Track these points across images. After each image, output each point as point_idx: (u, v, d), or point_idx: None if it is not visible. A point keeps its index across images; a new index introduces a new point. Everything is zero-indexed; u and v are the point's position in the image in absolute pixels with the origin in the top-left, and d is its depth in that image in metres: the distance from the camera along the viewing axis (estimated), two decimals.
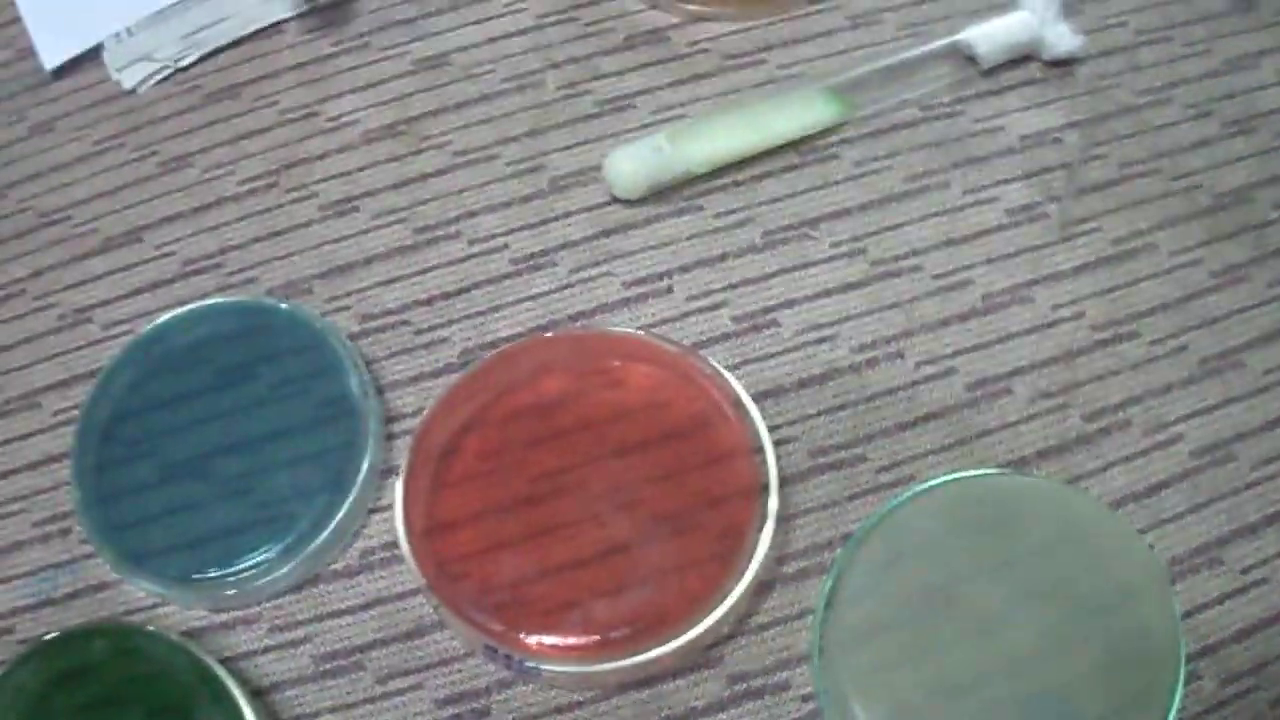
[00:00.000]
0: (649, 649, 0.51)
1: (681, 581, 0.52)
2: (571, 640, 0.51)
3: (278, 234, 0.64)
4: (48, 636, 0.55)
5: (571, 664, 0.51)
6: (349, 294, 0.62)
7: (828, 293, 0.59)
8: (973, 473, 0.54)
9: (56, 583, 0.58)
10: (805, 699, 0.52)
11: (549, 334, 0.58)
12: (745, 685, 0.52)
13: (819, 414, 0.57)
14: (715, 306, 0.59)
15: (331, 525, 0.55)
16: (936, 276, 0.59)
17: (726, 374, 0.55)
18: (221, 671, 0.52)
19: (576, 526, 0.53)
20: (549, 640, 0.51)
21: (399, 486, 0.54)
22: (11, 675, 0.54)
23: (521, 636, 0.52)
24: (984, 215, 0.61)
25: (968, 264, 0.60)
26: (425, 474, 0.55)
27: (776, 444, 0.55)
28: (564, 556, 0.53)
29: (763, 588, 0.53)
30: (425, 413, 0.56)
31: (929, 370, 0.57)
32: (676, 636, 0.51)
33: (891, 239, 0.61)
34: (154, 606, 0.57)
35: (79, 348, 0.63)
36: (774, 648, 0.53)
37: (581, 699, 0.53)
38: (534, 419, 0.55)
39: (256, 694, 0.54)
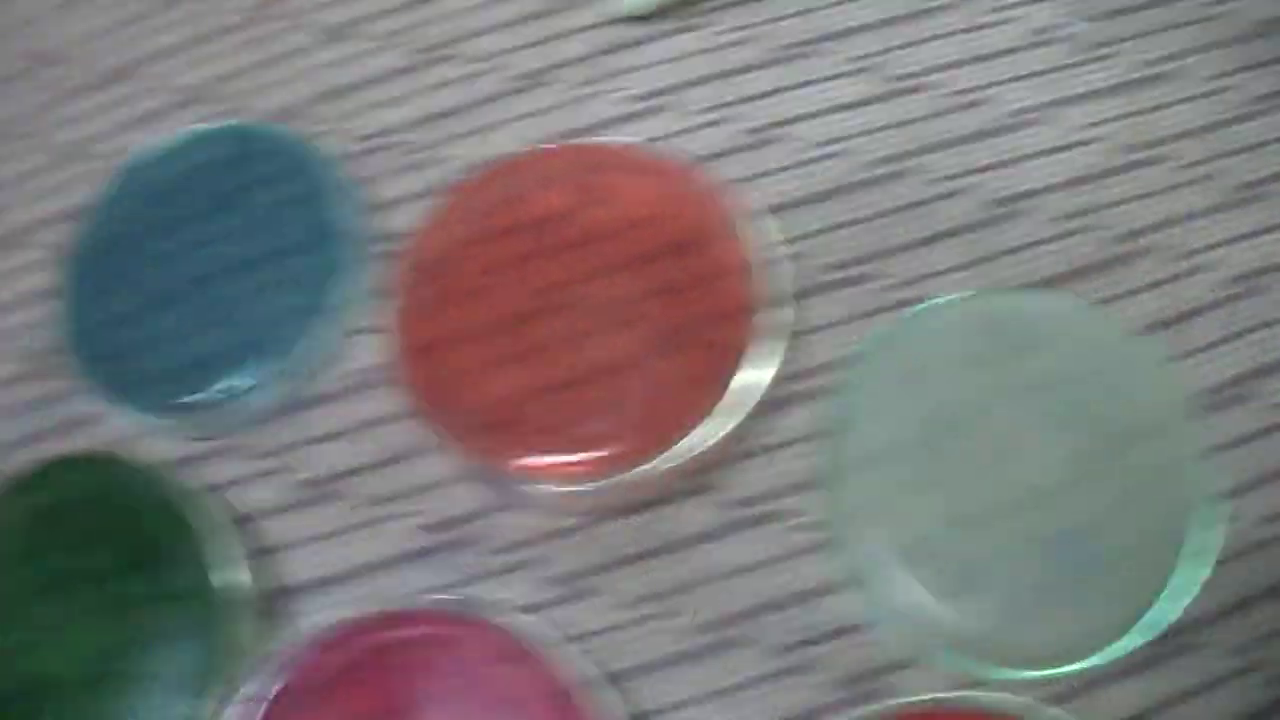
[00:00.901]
0: (646, 468, 0.46)
1: (681, 399, 0.47)
2: (565, 459, 0.47)
3: (272, 60, 0.59)
4: (20, 470, 0.51)
5: (565, 484, 0.47)
6: (342, 116, 0.57)
7: (842, 107, 0.54)
8: (992, 290, 0.48)
9: (41, 418, 0.53)
10: (809, 527, 0.47)
11: (545, 146, 0.53)
12: (748, 510, 0.47)
13: (830, 229, 0.51)
14: (723, 121, 0.54)
15: (315, 346, 0.51)
16: (956, 93, 0.54)
17: (733, 187, 0.50)
18: (199, 499, 0.49)
19: (572, 343, 0.48)
20: (542, 460, 0.47)
21: (389, 305, 0.49)
22: None
23: (512, 457, 0.47)
24: (1007, 33, 0.55)
25: (989, 82, 0.54)
26: (414, 293, 0.50)
27: (786, 260, 0.50)
28: (558, 375, 0.48)
29: (768, 408, 0.48)
30: (417, 229, 0.51)
31: (946, 187, 0.52)
32: (675, 457, 0.46)
33: (909, 55, 0.55)
34: (138, 438, 0.52)
35: (72, 183, 0.59)
36: (779, 472, 0.48)
37: (575, 524, 0.48)
38: (529, 234, 0.50)
39: (237, 522, 0.50)
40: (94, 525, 0.50)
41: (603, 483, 0.46)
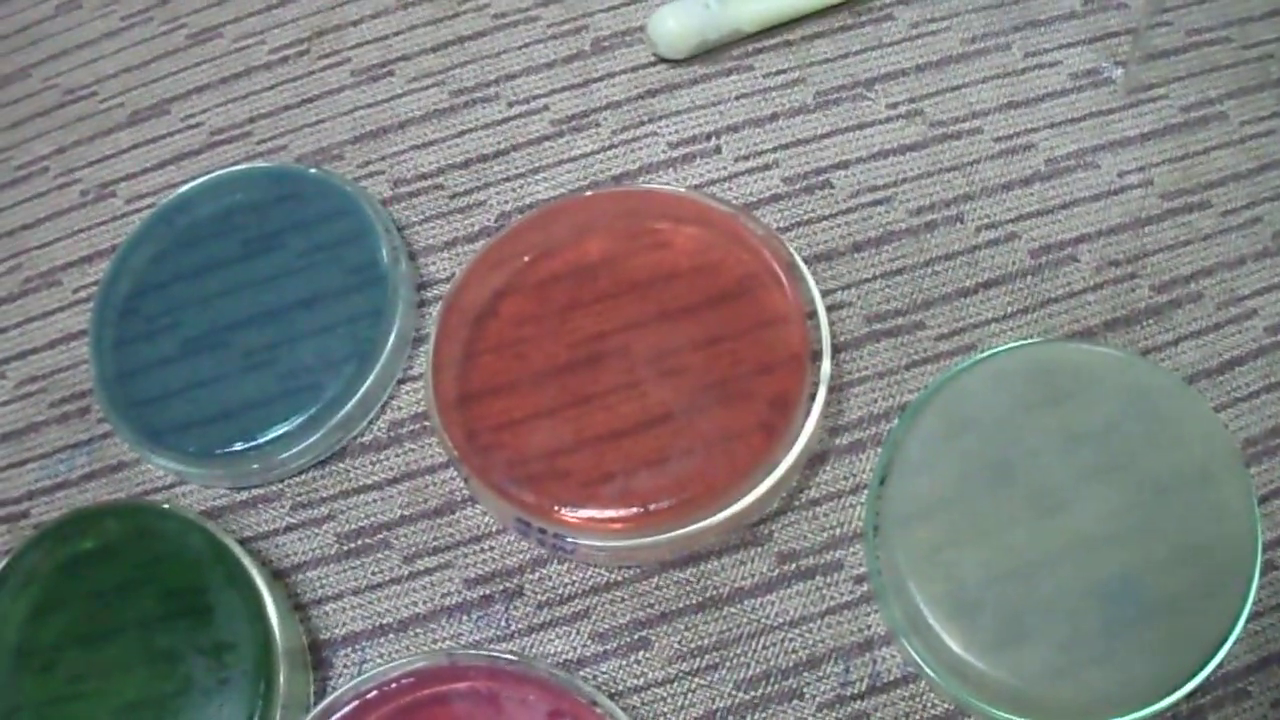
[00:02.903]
0: (692, 523, 0.44)
1: (728, 452, 0.45)
2: (609, 513, 0.45)
3: (309, 101, 0.57)
4: (59, 518, 0.48)
5: (609, 539, 0.44)
6: (382, 159, 0.55)
7: (884, 154, 0.52)
8: (1039, 340, 0.47)
9: (74, 464, 0.51)
10: (859, 580, 0.45)
11: (589, 192, 0.50)
12: (795, 565, 0.45)
13: (875, 278, 0.49)
14: (765, 167, 0.52)
15: (357, 395, 0.49)
16: (997, 139, 0.52)
17: (778, 236, 0.48)
18: (239, 551, 0.46)
19: (617, 394, 0.46)
20: (585, 514, 0.45)
21: (429, 353, 0.47)
22: (23, 559, 0.48)
23: (556, 510, 0.45)
24: (1046, 79, 0.53)
25: (1030, 128, 0.52)
26: (457, 340, 0.48)
27: (830, 309, 0.48)
28: (603, 426, 0.46)
29: (814, 460, 0.46)
30: (457, 276, 0.49)
31: (990, 235, 0.50)
32: (721, 510, 0.44)
33: (950, 101, 0.53)
34: (173, 486, 0.50)
35: (102, 223, 0.57)
36: (825, 525, 0.46)
37: (620, 578, 0.46)
38: (573, 282, 0.48)
39: (278, 575, 0.48)
40: (132, 575, 0.47)
41: (649, 538, 0.44)
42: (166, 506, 0.48)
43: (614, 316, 0.47)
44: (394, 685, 0.44)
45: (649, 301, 0.47)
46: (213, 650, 0.45)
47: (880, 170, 0.51)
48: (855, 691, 0.44)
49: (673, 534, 0.44)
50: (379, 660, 0.46)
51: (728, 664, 0.44)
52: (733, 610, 0.45)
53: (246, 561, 0.46)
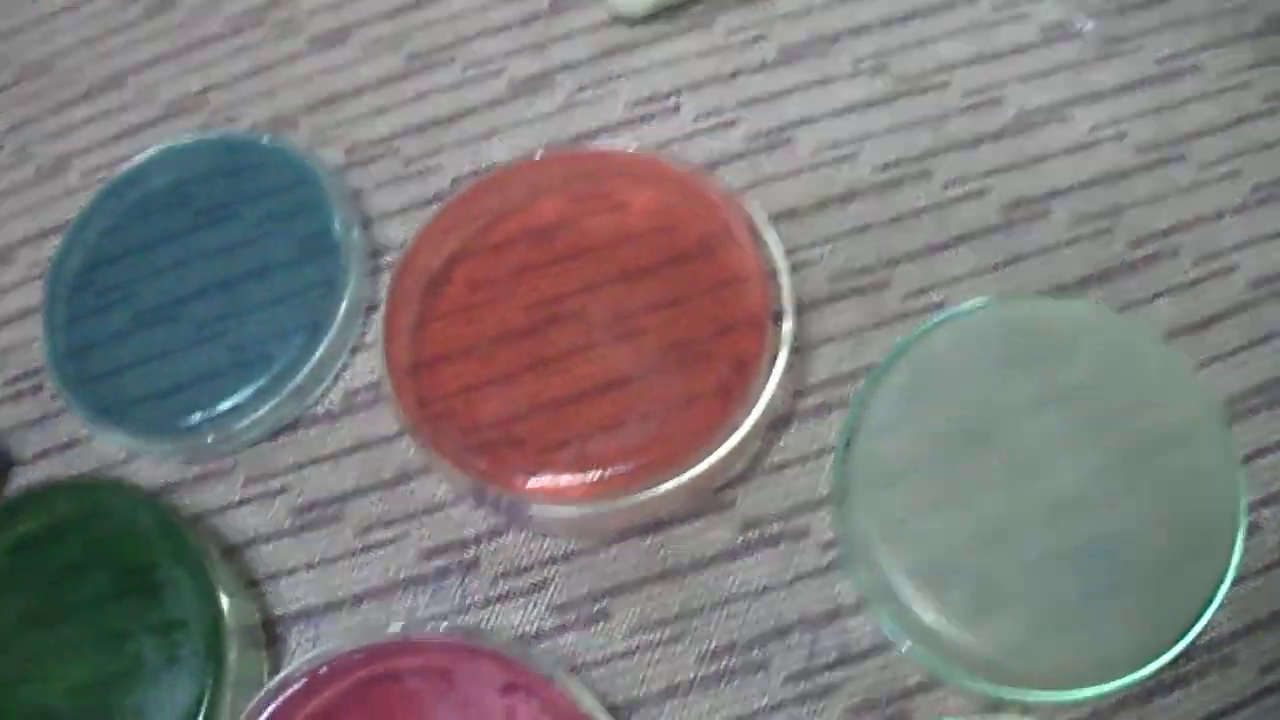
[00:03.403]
0: (650, 488, 0.42)
1: (688, 415, 0.43)
2: (566, 480, 0.43)
3: (264, 69, 0.55)
4: (6, 498, 0.47)
5: (567, 506, 0.43)
6: (337, 126, 0.54)
7: (848, 110, 0.50)
8: (1010, 298, 0.45)
9: (26, 441, 0.49)
10: (826, 546, 0.43)
11: (542, 153, 0.48)
12: (759, 532, 0.43)
13: (839, 236, 0.48)
14: (727, 125, 0.50)
15: (309, 365, 0.47)
16: (965, 94, 0.50)
17: (738, 195, 0.45)
18: (186, 527, 0.44)
19: (573, 358, 0.45)
20: (542, 481, 0.43)
21: (380, 320, 0.45)
22: None
23: (513, 477, 0.43)
24: (1016, 32, 0.51)
25: (999, 81, 0.50)
26: (409, 307, 0.46)
27: (794, 269, 0.46)
28: (560, 390, 0.44)
29: (778, 424, 0.44)
30: (409, 241, 0.47)
31: (959, 191, 0.48)
32: (680, 474, 0.42)
33: (916, 55, 0.51)
34: (126, 461, 0.49)
35: (56, 198, 0.55)
36: (790, 490, 0.44)
37: (579, 547, 0.44)
38: (528, 245, 0.46)
39: (231, 550, 0.46)
40: (82, 553, 0.45)
41: (609, 504, 0.42)
42: (115, 483, 0.46)
43: (570, 279, 0.46)
44: (346, 662, 0.42)
45: (606, 263, 0.46)
46: (162, 629, 0.43)
47: (844, 126, 0.49)
48: (824, 662, 0.42)
49: (631, 500, 0.42)
50: (333, 636, 0.44)
51: (691, 635, 0.42)
52: (695, 579, 0.43)
53: (195, 538, 0.44)
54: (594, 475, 0.42)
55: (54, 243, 0.52)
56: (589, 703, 0.40)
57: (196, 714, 0.42)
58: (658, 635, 0.43)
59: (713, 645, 0.42)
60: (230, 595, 0.43)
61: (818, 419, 0.45)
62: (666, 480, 0.42)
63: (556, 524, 0.43)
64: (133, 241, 0.50)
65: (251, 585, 0.45)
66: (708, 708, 0.41)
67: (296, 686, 0.42)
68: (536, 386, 0.44)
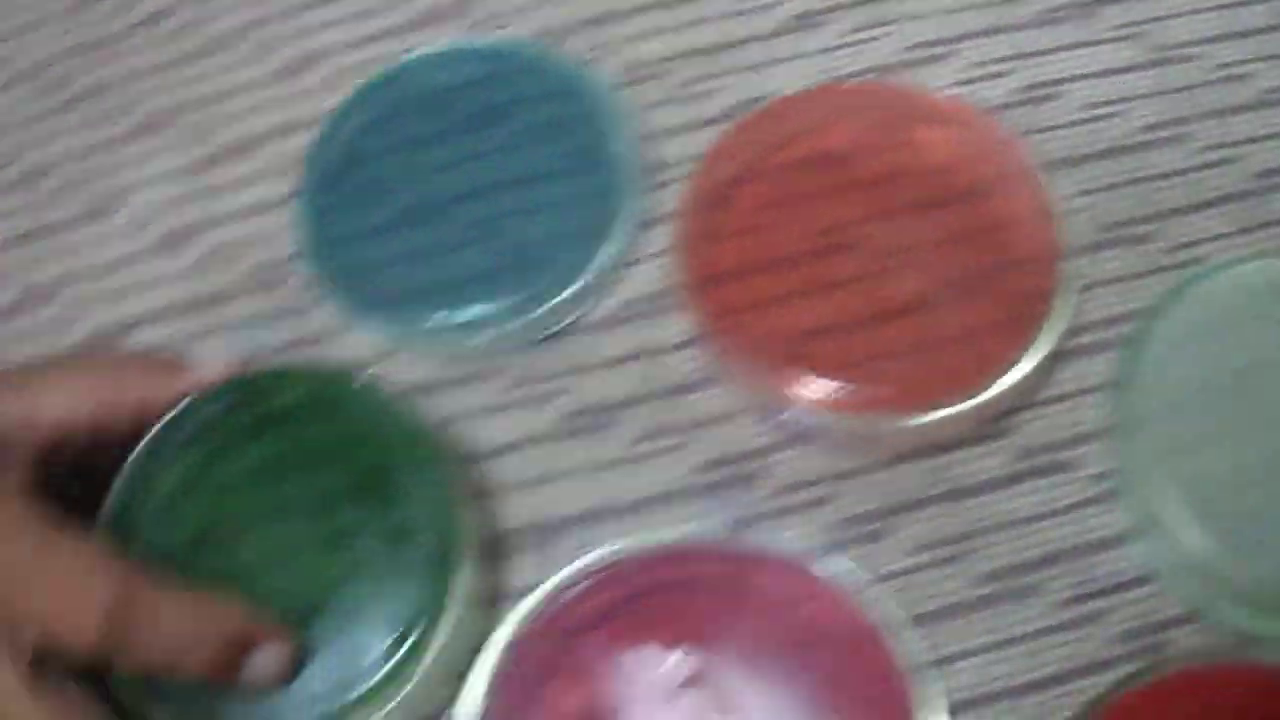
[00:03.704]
0: (935, 412, 0.43)
1: (972, 346, 0.44)
2: (851, 399, 0.43)
3: None
4: (242, 373, 0.46)
5: (854, 424, 0.43)
6: (609, 44, 0.53)
7: (1111, 72, 0.51)
8: (1275, 258, 0.46)
9: (268, 335, 0.48)
10: (1096, 478, 0.44)
11: (841, 85, 0.49)
12: (1034, 461, 0.44)
13: (1106, 189, 0.48)
14: (999, 75, 0.51)
15: (586, 272, 0.47)
16: (1219, 66, 0.51)
17: (1020, 139, 0.46)
18: (434, 432, 0.44)
19: (862, 283, 0.45)
20: (829, 397, 0.43)
21: (676, 231, 0.45)
22: (197, 409, 0.45)
23: (800, 392, 0.43)
24: (1263, 12, 0.52)
25: (1250, 57, 0.51)
26: (699, 221, 0.46)
27: (1071, 214, 0.46)
28: (849, 314, 0.45)
29: (1057, 358, 0.45)
30: (701, 159, 0.47)
31: (1213, 156, 0.49)
32: (964, 402, 0.43)
33: (1174, 26, 0.52)
34: (380, 359, 0.48)
35: (300, 96, 0.54)
36: (1063, 423, 0.45)
37: (859, 466, 0.44)
38: (816, 171, 0.47)
39: (488, 454, 0.46)
40: (323, 448, 0.44)
41: (891, 425, 0.43)
42: (363, 375, 0.45)
43: (855, 207, 0.46)
44: (631, 566, 0.42)
45: (891, 195, 0.46)
46: (393, 534, 0.42)
47: (1109, 87, 0.50)
48: (1091, 591, 0.42)
49: (913, 423, 0.43)
50: (607, 542, 0.44)
51: (967, 558, 0.43)
52: (972, 504, 0.44)
53: (440, 444, 0.43)
54: (878, 397, 0.43)
55: (297, 139, 0.52)
56: (893, 615, 0.40)
57: (417, 627, 0.41)
58: (935, 555, 0.43)
59: (988, 568, 0.43)
60: (470, 505, 0.43)
61: (1089, 357, 0.45)
62: (950, 406, 0.43)
63: (841, 441, 0.44)
64: (393, 140, 0.50)
65: (506, 490, 0.45)
66: (981, 629, 0.42)
67: (576, 590, 0.42)
68: (824, 308, 0.45)
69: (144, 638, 0.39)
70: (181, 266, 0.51)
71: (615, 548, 0.43)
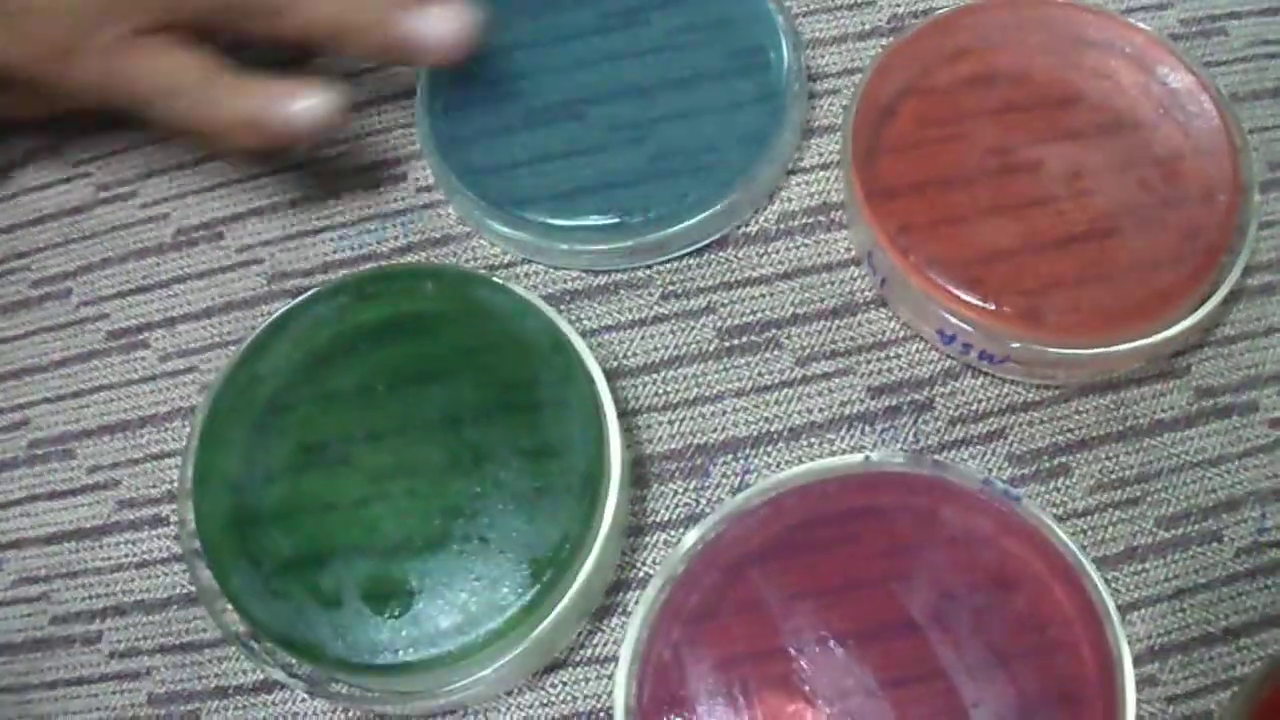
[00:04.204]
0: (1115, 343, 0.40)
1: (1152, 278, 0.40)
2: (1030, 326, 0.40)
3: None
4: (362, 271, 0.41)
5: (1030, 351, 0.39)
6: None
7: (1273, 12, 0.48)
8: None
9: (384, 234, 0.44)
10: (1275, 423, 0.41)
11: (1015, 1, 0.45)
12: (1213, 402, 0.41)
13: (1273, 128, 0.45)
14: (1160, 7, 0.48)
15: (748, 182, 0.43)
16: None
17: (1197, 69, 0.43)
18: (582, 343, 0.39)
19: (1038, 208, 0.42)
20: (1006, 324, 0.40)
21: (844, 143, 0.42)
22: (315, 304, 0.41)
23: (976, 317, 0.40)
24: None
25: None
26: (864, 136, 0.43)
27: (1249, 149, 0.43)
28: (1026, 238, 0.41)
29: (1240, 296, 0.42)
30: (869, 69, 0.43)
31: None
32: (1145, 335, 0.40)
33: None
34: (510, 265, 0.43)
35: None
36: (1242, 364, 0.42)
37: (1037, 398, 0.41)
38: (986, 90, 0.43)
39: (641, 370, 0.42)
40: (458, 356, 0.40)
41: (1071, 354, 0.40)
42: (498, 280, 0.41)
43: (1027, 130, 0.43)
44: (799, 496, 0.39)
45: (1064, 119, 0.43)
46: (535, 454, 0.38)
47: (1273, 28, 0.48)
48: (1273, 539, 0.40)
49: (1093, 352, 0.39)
50: (765, 470, 0.40)
51: (1148, 499, 0.40)
52: (1152, 443, 0.41)
53: (590, 356, 0.39)
54: (1055, 325, 0.40)
55: None
56: (1083, 557, 0.37)
57: (559, 557, 0.37)
58: (1116, 496, 0.40)
59: (1169, 511, 0.40)
60: (620, 426, 0.39)
61: (1264, 297, 0.43)
62: (1128, 340, 0.40)
63: (1020, 370, 0.41)
64: (523, 35, 0.45)
65: (649, 413, 0.41)
66: (1163, 575, 0.39)
67: (741, 521, 0.38)
68: (1000, 231, 0.41)
69: None
70: (286, 158, 0.46)
71: (783, 475, 0.39)
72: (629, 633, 0.37)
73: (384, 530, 0.38)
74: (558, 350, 0.39)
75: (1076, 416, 0.41)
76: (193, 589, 0.39)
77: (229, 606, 0.38)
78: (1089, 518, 0.40)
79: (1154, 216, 0.41)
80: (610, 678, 0.39)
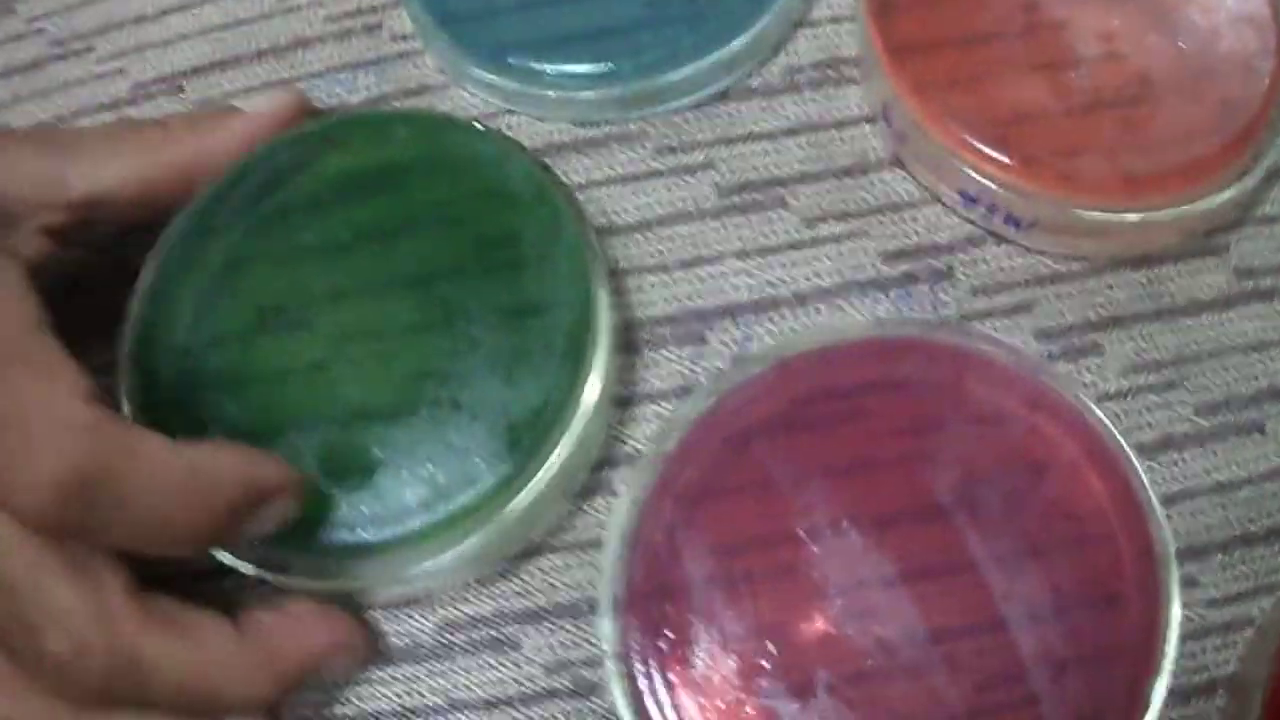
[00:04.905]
0: (1148, 211, 0.35)
1: (1188, 147, 0.36)
2: (1060, 189, 0.35)
3: None
4: (325, 119, 0.36)
5: (1058, 216, 0.35)
6: None
7: None
8: None
9: (354, 84, 0.38)
10: None
11: None
12: (1254, 283, 0.37)
13: None
14: None
15: (748, 31, 0.38)
16: None
17: None
18: (567, 193, 0.35)
19: (1060, 70, 0.37)
20: (1034, 187, 0.35)
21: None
22: (274, 154, 0.36)
23: (1002, 178, 0.35)
24: None
25: None
26: None
27: None
28: (1047, 100, 0.37)
29: (1271, 175, 0.37)
30: None
31: None
32: (1180, 205, 0.35)
33: None
34: (494, 116, 0.38)
35: None
36: None
37: (1066, 270, 0.36)
38: None
39: (633, 228, 0.37)
40: (431, 207, 0.35)
41: (1102, 221, 0.35)
42: (485, 128, 0.36)
43: None
44: (809, 365, 0.34)
45: None
46: (517, 313, 0.34)
47: None
48: None
49: (1125, 219, 0.35)
50: (767, 336, 0.35)
51: (1186, 383, 0.36)
52: (1189, 323, 0.36)
53: (578, 211, 0.35)
54: (1086, 190, 0.35)
55: None
56: (1124, 443, 0.32)
57: (540, 423, 0.33)
58: (1151, 379, 0.36)
59: (1208, 398, 0.35)
60: (608, 283, 0.34)
61: None
62: (1161, 209, 0.35)
63: (1041, 238, 0.36)
64: None
65: (641, 274, 0.36)
66: (1201, 466, 0.35)
67: (743, 391, 0.33)
68: (1028, 90, 0.37)
69: (113, 515, 0.28)
70: (251, 9, 0.40)
71: (788, 341, 0.34)
72: (615, 514, 0.32)
73: (344, 396, 0.34)
74: (542, 201, 0.35)
75: (1108, 292, 0.36)
76: None
77: None
78: (1122, 400, 0.35)
79: (1189, 84, 0.37)
80: (594, 564, 0.34)
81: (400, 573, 0.32)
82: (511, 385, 0.33)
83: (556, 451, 0.33)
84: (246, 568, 0.32)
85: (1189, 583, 0.33)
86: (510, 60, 0.37)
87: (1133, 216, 0.35)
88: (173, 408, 0.34)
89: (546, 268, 0.34)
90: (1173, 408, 0.35)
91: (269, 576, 0.32)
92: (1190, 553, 0.34)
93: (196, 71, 0.41)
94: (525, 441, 0.32)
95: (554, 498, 0.33)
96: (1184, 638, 0.31)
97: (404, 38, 0.40)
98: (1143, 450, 0.35)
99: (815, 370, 0.34)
